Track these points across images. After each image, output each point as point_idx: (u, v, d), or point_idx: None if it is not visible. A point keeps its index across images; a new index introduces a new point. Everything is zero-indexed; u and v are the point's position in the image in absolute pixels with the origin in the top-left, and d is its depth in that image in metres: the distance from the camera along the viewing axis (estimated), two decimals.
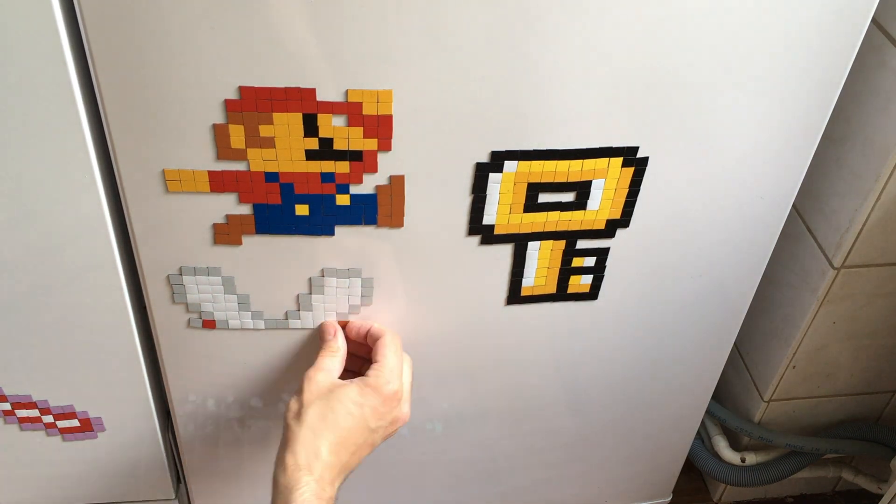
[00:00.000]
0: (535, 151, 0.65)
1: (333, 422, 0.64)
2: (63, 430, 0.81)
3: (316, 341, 0.74)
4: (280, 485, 0.61)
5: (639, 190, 0.69)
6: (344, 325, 0.74)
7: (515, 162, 0.65)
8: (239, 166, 0.62)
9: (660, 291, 0.79)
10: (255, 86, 0.58)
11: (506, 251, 0.72)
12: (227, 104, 0.59)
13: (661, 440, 0.99)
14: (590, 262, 0.74)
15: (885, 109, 0.80)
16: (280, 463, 0.62)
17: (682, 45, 0.61)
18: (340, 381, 0.68)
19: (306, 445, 0.62)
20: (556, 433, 0.93)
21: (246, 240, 0.67)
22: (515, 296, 0.76)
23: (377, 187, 0.65)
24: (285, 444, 0.63)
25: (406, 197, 0.66)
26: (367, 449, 0.67)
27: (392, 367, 0.69)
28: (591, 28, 0.59)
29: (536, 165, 0.65)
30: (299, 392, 0.66)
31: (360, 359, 0.75)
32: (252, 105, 0.59)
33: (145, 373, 0.77)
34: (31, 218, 0.64)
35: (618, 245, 0.74)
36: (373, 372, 0.68)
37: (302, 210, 0.65)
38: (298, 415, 0.64)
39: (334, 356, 0.71)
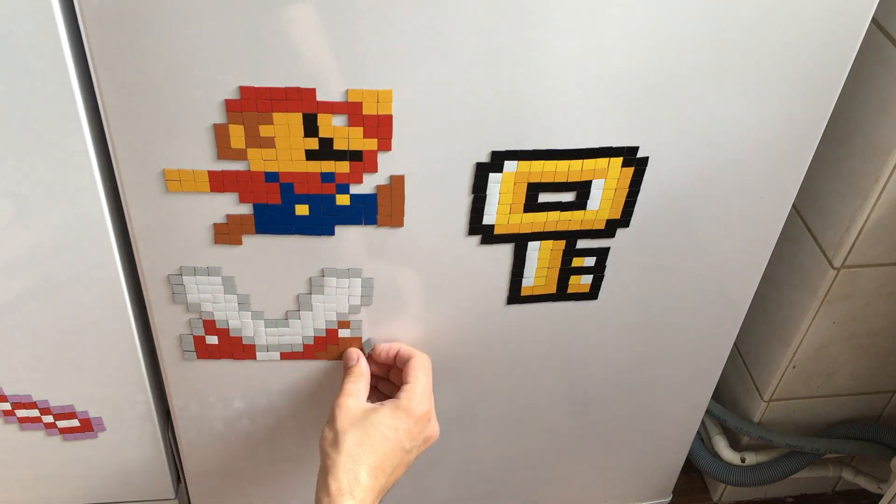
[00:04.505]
0: (535, 151, 0.65)
1: (370, 447, 0.65)
2: (63, 430, 0.81)
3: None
4: None
5: (639, 190, 0.69)
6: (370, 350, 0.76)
7: (515, 162, 0.65)
8: (239, 166, 0.62)
9: (660, 291, 0.79)
10: (255, 86, 0.58)
11: (506, 251, 0.72)
12: (227, 104, 0.59)
13: (661, 440, 0.99)
14: (590, 262, 0.74)
15: (885, 109, 0.80)
16: (323, 488, 0.63)
17: (682, 46, 0.61)
18: (371, 405, 0.69)
19: (347, 472, 0.63)
20: (556, 433, 0.93)
21: (246, 240, 0.67)
22: (515, 296, 0.76)
23: (377, 187, 0.65)
24: (326, 471, 0.64)
25: (406, 197, 0.66)
26: (402, 468, 0.68)
27: (423, 388, 0.70)
28: (591, 28, 0.59)
29: (536, 165, 0.65)
30: (332, 421, 0.67)
31: (384, 380, 0.77)
32: (252, 105, 0.59)
33: (145, 373, 0.77)
34: (32, 218, 0.64)
35: (618, 245, 0.74)
36: (404, 394, 0.69)
37: (302, 210, 0.65)
38: (335, 443, 0.65)
39: (359, 380, 0.72)
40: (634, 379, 0.88)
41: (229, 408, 0.81)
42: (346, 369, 0.74)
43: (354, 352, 0.75)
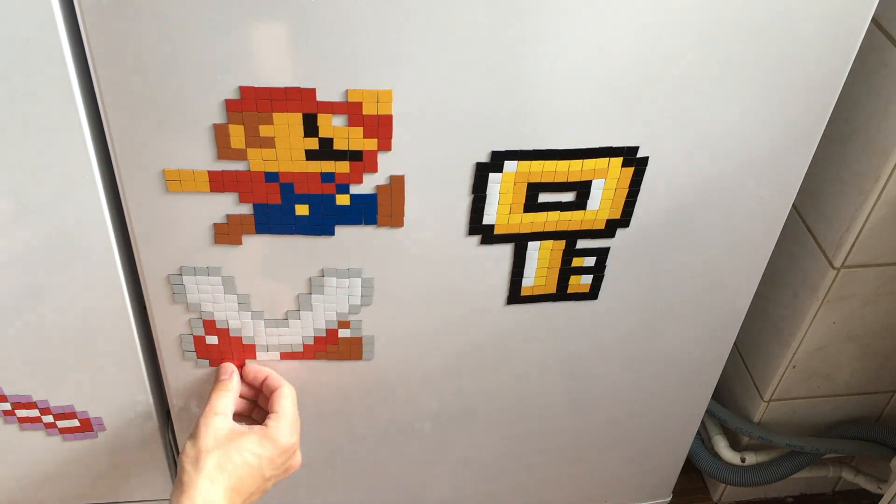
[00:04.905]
0: (535, 151, 0.65)
1: (231, 471, 0.66)
2: (63, 430, 0.81)
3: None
4: None
5: (639, 190, 0.69)
6: (240, 367, 0.76)
7: (515, 162, 0.65)
8: (239, 166, 0.62)
9: (660, 291, 0.79)
10: (255, 86, 0.58)
11: (506, 251, 0.72)
12: (227, 104, 0.59)
13: (661, 440, 0.99)
14: (590, 262, 0.74)
15: (885, 110, 0.80)
16: None
17: (682, 45, 0.61)
18: (238, 427, 0.70)
19: (202, 493, 0.63)
20: (556, 433, 0.93)
21: (246, 240, 0.67)
22: (515, 296, 0.76)
23: (377, 187, 0.65)
24: (182, 487, 0.64)
25: (406, 197, 0.66)
26: (258, 494, 0.69)
27: (290, 419, 0.71)
28: (591, 28, 0.59)
29: (536, 165, 0.65)
30: (196, 436, 0.67)
31: (248, 401, 0.77)
32: (252, 105, 0.59)
33: (145, 373, 0.77)
34: (31, 218, 0.64)
35: (618, 245, 0.74)
36: (272, 423, 0.70)
37: (302, 210, 0.65)
38: (196, 462, 0.66)
39: (228, 395, 0.72)
40: (634, 378, 0.88)
41: None
42: (216, 381, 0.74)
43: (229, 366, 0.75)
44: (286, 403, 0.72)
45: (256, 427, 0.70)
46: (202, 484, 0.64)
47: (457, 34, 0.57)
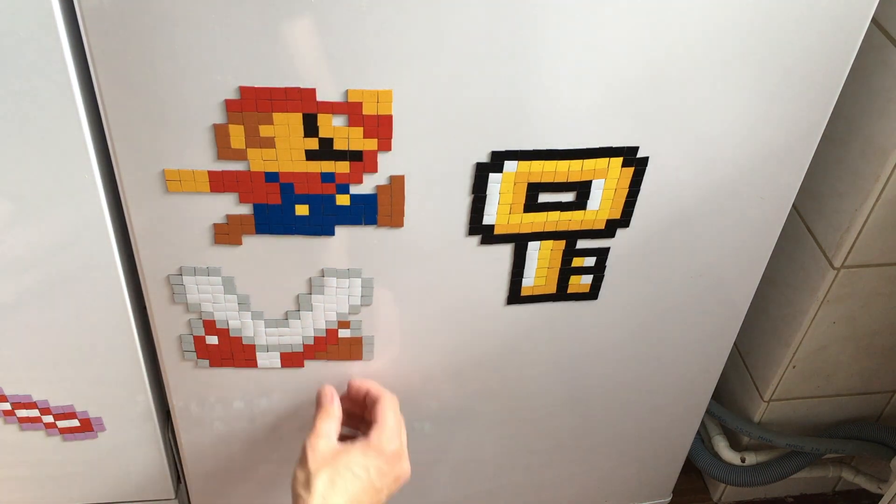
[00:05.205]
0: (535, 151, 0.65)
1: (342, 487, 0.65)
2: (63, 430, 0.81)
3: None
4: None
5: (639, 190, 0.69)
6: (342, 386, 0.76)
7: (515, 162, 0.65)
8: (239, 166, 0.62)
9: (660, 291, 0.79)
10: (255, 86, 0.58)
11: (506, 251, 0.72)
12: (227, 104, 0.59)
13: (661, 440, 0.99)
14: (590, 262, 0.74)
15: (885, 110, 0.80)
16: None
17: (682, 45, 0.61)
18: (342, 445, 0.69)
19: None
20: (556, 433, 0.93)
21: (246, 240, 0.67)
22: (515, 296, 0.76)
23: (377, 187, 0.65)
24: None
25: (406, 197, 0.66)
26: None
27: (392, 427, 0.71)
28: (591, 28, 0.59)
29: (536, 165, 0.65)
30: (303, 461, 0.67)
31: (355, 417, 0.77)
32: (252, 105, 0.59)
33: (145, 373, 0.77)
34: (32, 218, 0.64)
35: (618, 245, 0.74)
36: (375, 433, 0.70)
37: (302, 210, 0.65)
38: (307, 484, 0.65)
39: (332, 420, 0.72)
40: (634, 379, 0.88)
41: (229, 408, 0.81)
42: (319, 406, 0.73)
43: (330, 390, 0.75)
44: (387, 412, 0.72)
45: (359, 441, 0.70)
46: (316, 503, 0.64)
47: (457, 34, 0.57)
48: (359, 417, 0.77)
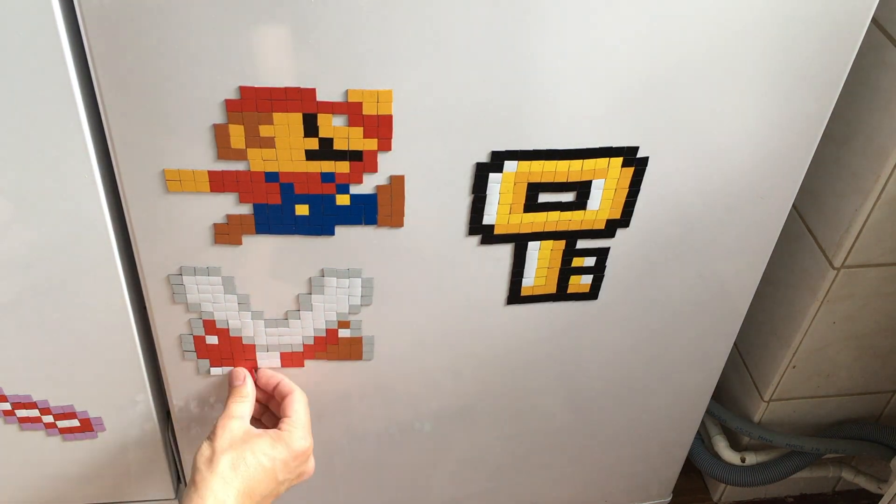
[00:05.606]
0: (535, 151, 0.65)
1: (244, 472, 0.66)
2: (63, 430, 0.81)
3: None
4: None
5: (639, 190, 0.69)
6: (251, 371, 0.76)
7: (515, 162, 0.65)
8: (239, 166, 0.62)
9: (660, 291, 0.79)
10: (255, 86, 0.58)
11: (506, 251, 0.72)
12: (227, 104, 0.59)
13: (661, 440, 0.99)
14: (590, 262, 0.74)
15: (885, 109, 0.80)
16: None
17: (682, 46, 0.61)
18: (254, 430, 0.70)
19: (215, 493, 0.64)
20: (556, 433, 0.93)
21: (246, 240, 0.67)
22: (515, 296, 0.76)
23: (377, 187, 0.65)
24: (194, 487, 0.64)
25: (406, 197, 0.66)
26: (270, 498, 0.69)
27: (304, 423, 0.72)
28: (592, 28, 0.59)
29: (536, 165, 0.65)
30: (212, 438, 0.68)
31: (259, 406, 0.77)
32: (252, 105, 0.59)
33: (145, 373, 0.77)
34: (31, 218, 0.64)
35: (618, 245, 0.74)
36: (286, 426, 0.71)
37: (302, 210, 0.65)
38: (210, 461, 0.66)
39: (244, 401, 0.72)
40: (634, 379, 0.88)
41: None
42: (231, 388, 0.74)
43: (241, 371, 0.75)
44: (299, 408, 0.72)
45: (271, 430, 0.70)
46: (215, 482, 0.64)
47: (457, 34, 0.57)
48: (262, 407, 0.77)
